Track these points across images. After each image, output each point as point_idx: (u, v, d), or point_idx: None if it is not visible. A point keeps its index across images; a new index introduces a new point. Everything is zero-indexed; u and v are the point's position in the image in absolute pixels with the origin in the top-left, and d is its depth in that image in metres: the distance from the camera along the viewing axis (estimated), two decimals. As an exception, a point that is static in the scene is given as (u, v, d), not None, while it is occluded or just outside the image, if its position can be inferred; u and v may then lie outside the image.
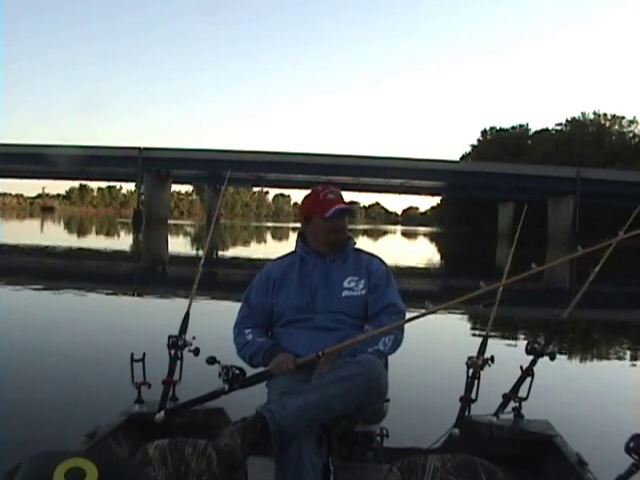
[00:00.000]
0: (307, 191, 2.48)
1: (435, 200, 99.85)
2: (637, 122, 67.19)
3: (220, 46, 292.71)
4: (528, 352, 2.74)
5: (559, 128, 71.68)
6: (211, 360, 2.20)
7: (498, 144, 73.10)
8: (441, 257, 29.24)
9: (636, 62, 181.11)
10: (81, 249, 21.66)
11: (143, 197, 54.95)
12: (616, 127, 68.44)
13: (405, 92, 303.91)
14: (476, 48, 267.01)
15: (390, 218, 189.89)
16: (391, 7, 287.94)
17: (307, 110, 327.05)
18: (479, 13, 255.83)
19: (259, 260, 16.35)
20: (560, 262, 4.15)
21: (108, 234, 36.93)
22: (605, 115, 68.97)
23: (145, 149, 50.92)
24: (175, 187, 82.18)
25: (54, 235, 32.15)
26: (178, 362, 2.62)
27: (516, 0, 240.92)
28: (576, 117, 70.46)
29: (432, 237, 57.92)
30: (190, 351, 2.61)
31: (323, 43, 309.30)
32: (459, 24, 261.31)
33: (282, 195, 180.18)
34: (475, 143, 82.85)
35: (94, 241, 28.88)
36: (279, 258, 2.51)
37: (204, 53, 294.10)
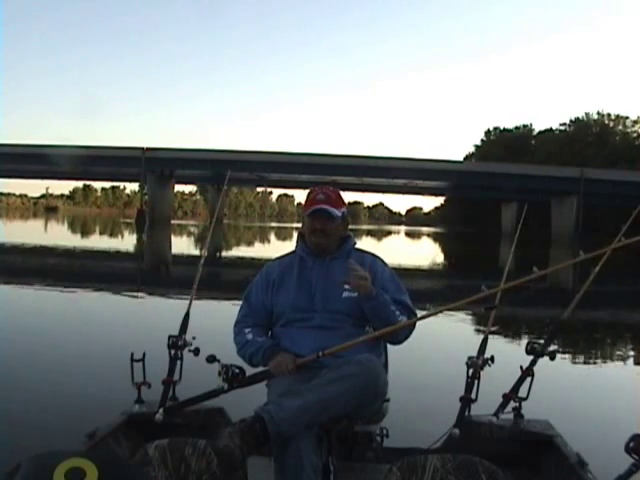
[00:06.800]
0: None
1: (439, 200, 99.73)
2: (641, 122, 66.96)
3: (223, 46, 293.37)
4: (528, 352, 2.74)
5: (563, 128, 71.43)
6: (211, 359, 2.21)
7: (502, 144, 72.92)
8: (445, 257, 29.16)
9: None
10: (84, 249, 21.67)
11: (147, 197, 55.00)
12: (620, 127, 68.15)
13: (409, 92, 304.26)
14: (480, 49, 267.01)
15: (394, 218, 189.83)
16: (394, 8, 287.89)
17: (310, 110, 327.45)
18: (483, 14, 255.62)
19: (260, 260, 16.33)
20: (561, 267, 4.20)
21: (112, 234, 36.93)
22: (609, 115, 68.72)
23: (148, 149, 50.94)
24: (179, 187, 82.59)
25: (58, 235, 32.18)
26: (178, 362, 2.62)
27: (520, 1, 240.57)
28: (580, 117, 70.25)
29: (436, 237, 57.77)
30: (190, 351, 2.61)
31: (326, 43, 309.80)
32: (463, 25, 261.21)
33: (286, 195, 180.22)
34: (479, 143, 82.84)
35: (97, 241, 28.89)
36: (279, 257, 2.51)
37: (207, 53, 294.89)
